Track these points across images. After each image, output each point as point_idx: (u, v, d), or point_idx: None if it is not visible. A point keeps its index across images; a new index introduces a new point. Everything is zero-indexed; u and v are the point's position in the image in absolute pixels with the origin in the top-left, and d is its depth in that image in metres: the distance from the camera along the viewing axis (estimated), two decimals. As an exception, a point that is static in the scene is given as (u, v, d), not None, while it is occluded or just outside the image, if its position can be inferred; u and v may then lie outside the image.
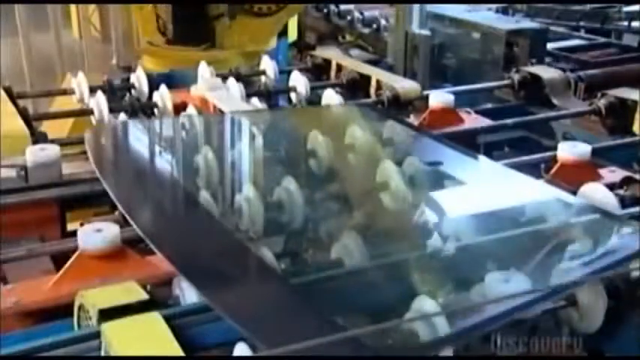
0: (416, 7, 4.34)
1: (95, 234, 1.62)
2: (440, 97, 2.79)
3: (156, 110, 2.91)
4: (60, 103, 3.84)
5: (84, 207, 2.10)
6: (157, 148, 2.38)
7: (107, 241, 1.61)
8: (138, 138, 2.39)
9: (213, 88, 2.84)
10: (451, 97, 2.79)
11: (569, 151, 2.23)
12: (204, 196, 1.98)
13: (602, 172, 2.20)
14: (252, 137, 2.46)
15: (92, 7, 7.51)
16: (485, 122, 2.80)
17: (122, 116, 2.79)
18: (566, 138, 2.77)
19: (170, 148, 2.41)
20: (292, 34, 5.95)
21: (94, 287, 1.39)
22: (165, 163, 2.33)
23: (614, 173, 2.17)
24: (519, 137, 2.91)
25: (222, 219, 1.92)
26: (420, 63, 4.29)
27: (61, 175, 2.12)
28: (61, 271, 1.60)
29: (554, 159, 2.26)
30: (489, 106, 3.30)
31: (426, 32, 4.32)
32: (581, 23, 5.29)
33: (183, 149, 2.44)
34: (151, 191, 2.10)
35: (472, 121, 2.80)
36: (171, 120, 2.70)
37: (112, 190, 1.81)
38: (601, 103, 2.80)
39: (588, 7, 5.41)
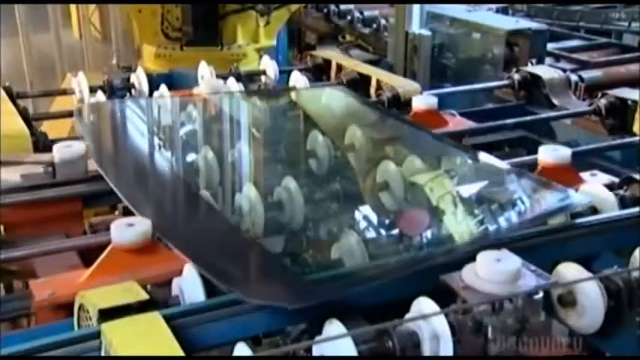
0: (416, 7, 4.34)
1: (127, 228, 1.65)
2: (423, 100, 2.74)
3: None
4: (60, 103, 3.84)
5: (107, 203, 2.12)
6: (140, 124, 2.57)
7: (139, 235, 1.64)
8: (125, 116, 2.59)
9: (216, 90, 2.85)
10: (434, 100, 2.74)
11: (550, 154, 2.19)
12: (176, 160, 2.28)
13: (584, 175, 2.16)
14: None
15: (92, 7, 7.53)
16: (469, 124, 2.76)
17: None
18: (569, 144, 2.77)
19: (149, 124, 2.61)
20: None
21: (126, 280, 1.42)
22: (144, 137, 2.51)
23: (595, 177, 2.14)
24: (519, 137, 2.91)
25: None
26: (420, 63, 4.29)
27: (87, 171, 2.14)
28: (94, 265, 1.63)
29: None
30: (490, 106, 3.30)
31: (426, 32, 4.32)
32: (581, 23, 5.29)
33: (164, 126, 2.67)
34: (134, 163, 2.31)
35: (456, 123, 2.76)
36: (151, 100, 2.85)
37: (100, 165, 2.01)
38: (601, 103, 2.80)
39: (588, 7, 5.42)
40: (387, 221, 2.11)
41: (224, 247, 1.75)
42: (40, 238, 1.84)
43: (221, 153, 2.40)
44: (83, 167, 2.13)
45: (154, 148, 2.46)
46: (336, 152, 2.39)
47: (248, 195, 2.03)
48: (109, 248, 1.64)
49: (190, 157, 2.27)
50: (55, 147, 2.14)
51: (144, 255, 1.63)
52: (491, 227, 1.82)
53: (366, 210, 2.17)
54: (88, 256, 1.76)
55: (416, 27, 4.33)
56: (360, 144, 2.40)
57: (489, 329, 1.28)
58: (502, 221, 1.84)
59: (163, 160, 2.42)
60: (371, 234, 1.99)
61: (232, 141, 2.57)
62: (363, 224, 2.06)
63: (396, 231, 2.03)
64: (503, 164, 2.10)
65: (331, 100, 2.91)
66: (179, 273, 1.51)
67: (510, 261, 1.37)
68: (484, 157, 2.17)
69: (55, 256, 1.77)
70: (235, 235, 1.87)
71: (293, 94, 3.04)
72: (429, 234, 1.94)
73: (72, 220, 2.01)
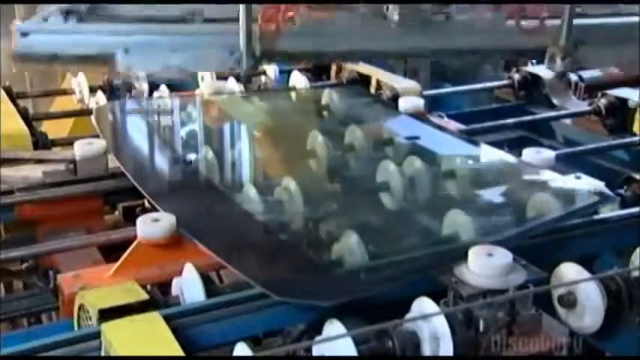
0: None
1: (153, 224, 1.67)
2: (409, 102, 2.70)
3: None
4: (60, 103, 3.84)
5: (127, 200, 2.13)
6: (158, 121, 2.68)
7: (164, 230, 1.67)
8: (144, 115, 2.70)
9: (218, 92, 2.85)
10: (421, 102, 2.71)
11: (533, 157, 2.16)
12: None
13: (568, 178, 2.11)
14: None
15: (92, 7, 7.52)
16: (457, 127, 2.72)
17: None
18: (567, 140, 2.76)
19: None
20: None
21: (153, 273, 1.47)
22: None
23: (579, 180, 2.12)
24: (519, 137, 2.90)
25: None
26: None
27: (107, 168, 2.16)
28: (121, 259, 1.64)
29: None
30: (490, 106, 3.29)
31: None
32: (582, 23, 5.27)
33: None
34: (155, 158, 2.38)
35: (444, 125, 2.70)
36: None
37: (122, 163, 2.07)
38: (601, 103, 2.79)
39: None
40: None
41: (250, 243, 1.79)
42: (61, 234, 1.86)
43: (242, 151, 2.46)
44: (104, 164, 2.15)
45: (172, 147, 2.50)
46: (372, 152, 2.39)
47: (287, 189, 2.02)
48: (134, 243, 1.66)
49: (209, 155, 2.28)
50: (76, 144, 2.16)
51: (169, 249, 1.66)
52: (513, 226, 1.80)
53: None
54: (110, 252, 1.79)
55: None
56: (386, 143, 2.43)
57: (481, 322, 1.29)
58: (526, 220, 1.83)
59: (182, 157, 2.44)
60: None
61: (253, 139, 2.62)
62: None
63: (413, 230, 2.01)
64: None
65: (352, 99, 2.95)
66: (204, 267, 1.54)
67: (502, 255, 1.39)
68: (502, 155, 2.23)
69: (76, 252, 1.80)
70: (261, 231, 1.89)
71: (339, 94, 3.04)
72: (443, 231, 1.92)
73: (92, 216, 2.04)
